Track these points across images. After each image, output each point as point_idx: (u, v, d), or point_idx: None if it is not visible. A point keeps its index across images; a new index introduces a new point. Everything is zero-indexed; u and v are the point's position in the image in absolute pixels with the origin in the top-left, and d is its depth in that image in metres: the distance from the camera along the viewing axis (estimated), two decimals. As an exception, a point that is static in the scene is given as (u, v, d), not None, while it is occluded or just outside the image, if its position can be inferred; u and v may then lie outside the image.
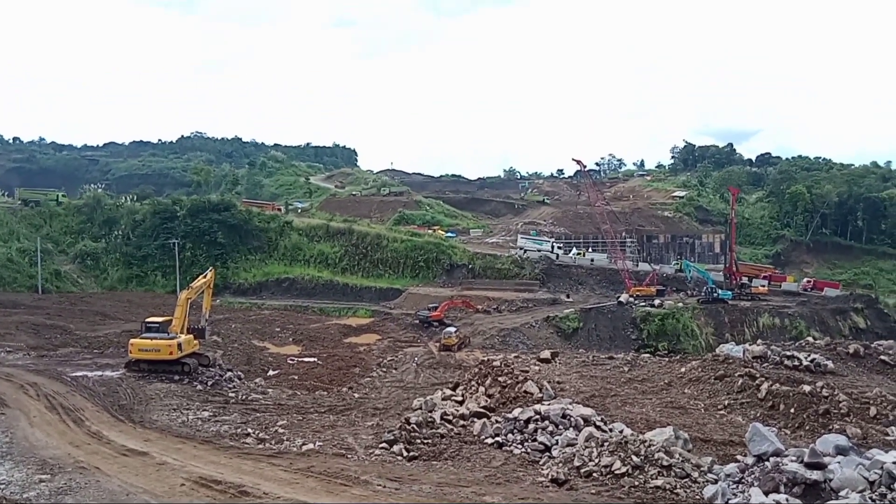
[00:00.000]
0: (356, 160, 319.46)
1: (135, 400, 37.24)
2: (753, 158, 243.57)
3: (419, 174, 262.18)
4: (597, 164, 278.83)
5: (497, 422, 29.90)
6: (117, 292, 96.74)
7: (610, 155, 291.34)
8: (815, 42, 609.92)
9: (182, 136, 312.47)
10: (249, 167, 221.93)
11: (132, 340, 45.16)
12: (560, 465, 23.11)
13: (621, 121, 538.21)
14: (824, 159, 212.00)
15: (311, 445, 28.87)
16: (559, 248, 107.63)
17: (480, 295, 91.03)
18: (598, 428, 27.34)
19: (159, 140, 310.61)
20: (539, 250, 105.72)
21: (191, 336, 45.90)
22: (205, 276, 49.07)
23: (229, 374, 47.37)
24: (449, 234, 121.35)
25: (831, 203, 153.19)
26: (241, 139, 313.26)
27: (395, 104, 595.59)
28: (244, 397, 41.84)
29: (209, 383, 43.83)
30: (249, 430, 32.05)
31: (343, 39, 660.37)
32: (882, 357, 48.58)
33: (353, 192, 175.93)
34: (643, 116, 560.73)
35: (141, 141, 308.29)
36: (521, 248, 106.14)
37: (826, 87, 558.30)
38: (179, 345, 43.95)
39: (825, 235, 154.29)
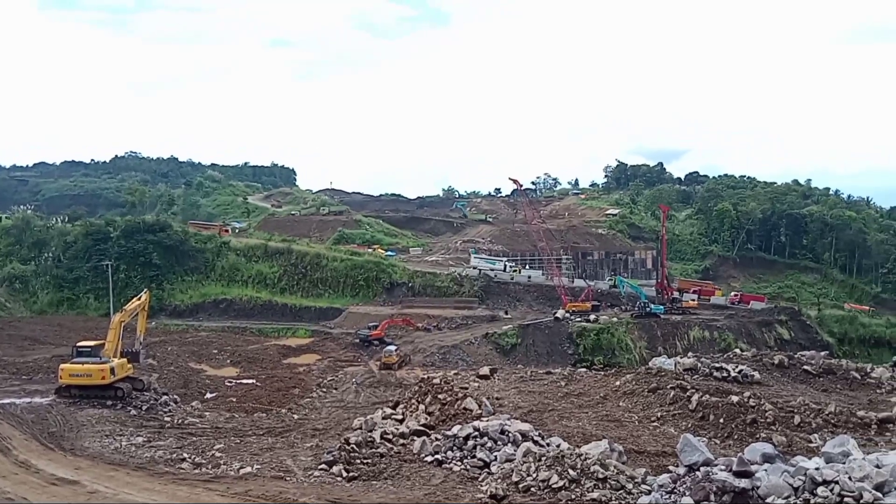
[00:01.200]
0: (295, 180, 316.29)
1: (65, 427, 35.81)
2: (682, 177, 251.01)
3: (359, 193, 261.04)
4: (533, 183, 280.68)
5: (437, 439, 29.74)
6: (48, 316, 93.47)
7: (545, 174, 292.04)
8: (740, 65, 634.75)
9: (116, 155, 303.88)
10: (186, 187, 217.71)
11: (63, 365, 43.64)
12: (499, 480, 23.16)
13: (557, 141, 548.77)
14: (749, 177, 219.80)
15: (248, 469, 28.18)
16: (512, 267, 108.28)
17: (421, 313, 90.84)
18: (535, 443, 27.51)
19: (92, 160, 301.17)
20: (493, 269, 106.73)
21: (124, 360, 44.54)
22: (139, 298, 47.80)
23: (165, 397, 46.08)
24: (389, 253, 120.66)
25: (756, 220, 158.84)
26: (177, 159, 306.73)
27: (333, 124, 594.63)
28: (180, 421, 40.60)
29: (143, 408, 42.54)
30: (185, 455, 31.05)
31: (280, 60, 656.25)
32: (805, 367, 50.30)
33: (292, 212, 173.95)
34: (578, 137, 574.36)
35: (73, 161, 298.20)
36: (474, 268, 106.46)
37: (750, 108, 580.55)
38: (112, 369, 42.58)
39: (750, 251, 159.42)
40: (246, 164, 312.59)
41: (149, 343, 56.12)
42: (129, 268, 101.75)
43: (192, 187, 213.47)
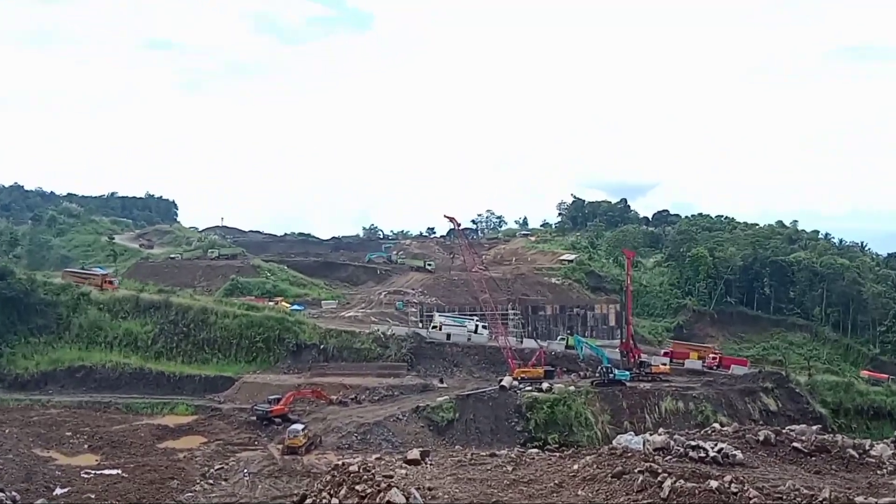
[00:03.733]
0: (176, 215, 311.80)
1: None
2: (650, 217, 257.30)
3: (257, 232, 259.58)
4: (473, 221, 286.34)
5: (354, 543, 29.10)
6: None
7: (488, 212, 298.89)
8: (715, 90, 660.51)
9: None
10: (34, 223, 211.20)
11: None
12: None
13: (501, 173, 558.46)
14: (727, 218, 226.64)
15: None
16: (484, 326, 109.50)
17: (335, 382, 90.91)
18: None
19: None
20: (463, 329, 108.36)
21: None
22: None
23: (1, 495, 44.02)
24: (295, 307, 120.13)
25: (735, 268, 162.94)
26: (22, 187, 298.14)
27: (225, 147, 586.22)
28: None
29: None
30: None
31: (160, 65, 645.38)
32: (795, 444, 50.77)
33: (172, 255, 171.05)
34: (526, 168, 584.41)
35: None
36: (437, 328, 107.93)
37: (726, 139, 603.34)
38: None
39: (730, 304, 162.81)
40: (113, 194, 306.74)
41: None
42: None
43: (41, 223, 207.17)
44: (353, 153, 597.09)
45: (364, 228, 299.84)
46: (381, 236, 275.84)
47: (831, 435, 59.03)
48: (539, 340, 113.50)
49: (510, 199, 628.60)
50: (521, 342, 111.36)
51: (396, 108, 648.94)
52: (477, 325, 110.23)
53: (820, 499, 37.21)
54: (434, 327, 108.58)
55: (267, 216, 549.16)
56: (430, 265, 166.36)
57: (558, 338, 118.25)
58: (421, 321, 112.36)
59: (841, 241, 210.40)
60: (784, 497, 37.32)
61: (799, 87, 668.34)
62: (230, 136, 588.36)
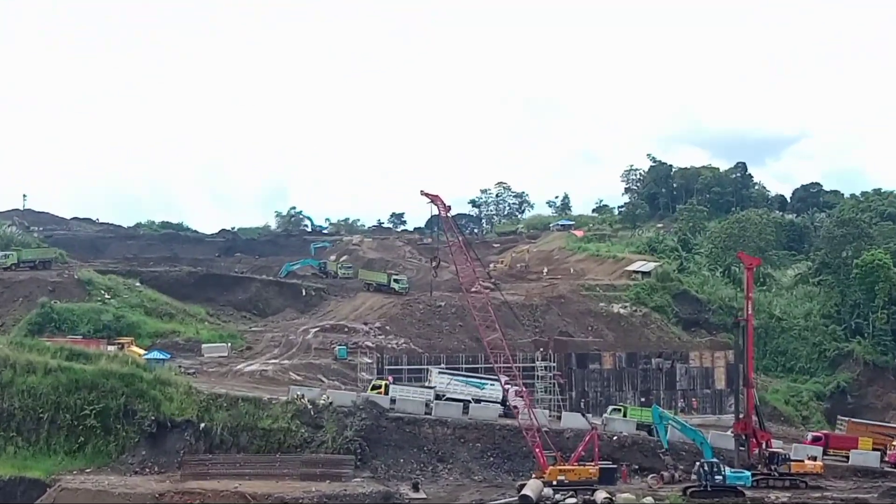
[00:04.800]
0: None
1: None
2: (788, 194, 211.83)
3: (89, 222, 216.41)
4: (474, 202, 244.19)
5: None
6: None
7: (500, 186, 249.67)
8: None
9: None
10: None
11: None
12: None
13: (515, 120, 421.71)
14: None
15: None
16: (518, 394, 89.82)
17: (225, 489, 77.16)
18: None
19: None
20: (479, 399, 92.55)
21: None
22: None
23: None
24: (155, 356, 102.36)
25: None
26: None
27: (30, 84, 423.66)
28: None
29: None
30: None
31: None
32: None
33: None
34: (556, 110, 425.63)
35: None
36: (440, 397, 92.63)
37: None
38: None
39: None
40: None
41: None
42: None
43: None
44: (257, 92, 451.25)
45: (279, 216, 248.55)
46: (310, 229, 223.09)
47: None
48: (590, 415, 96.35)
49: (538, 164, 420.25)
50: (559, 416, 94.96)
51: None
52: (506, 395, 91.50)
53: None
54: (437, 396, 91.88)
55: (105, 195, 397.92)
56: (397, 281, 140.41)
57: (622, 409, 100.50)
58: (379, 379, 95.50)
59: None
60: None
61: None
62: (37, 67, 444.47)
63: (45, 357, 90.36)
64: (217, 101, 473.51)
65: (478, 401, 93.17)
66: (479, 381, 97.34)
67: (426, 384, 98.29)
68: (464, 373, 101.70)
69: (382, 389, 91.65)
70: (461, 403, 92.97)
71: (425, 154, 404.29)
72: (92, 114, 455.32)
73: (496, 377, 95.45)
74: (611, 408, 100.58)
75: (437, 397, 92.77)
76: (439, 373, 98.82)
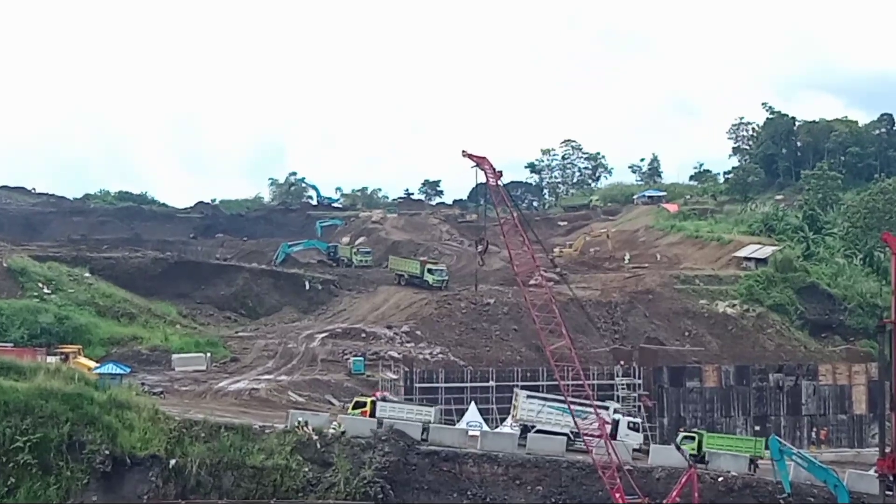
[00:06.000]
0: None
1: None
2: None
3: (21, 191, 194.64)
4: (532, 167, 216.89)
5: None
6: None
7: (567, 144, 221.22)
8: None
9: None
10: None
11: None
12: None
13: (589, 50, 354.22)
14: None
15: None
16: (633, 426, 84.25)
17: None
18: None
19: None
20: (578, 434, 79.06)
21: None
22: None
23: None
24: (110, 369, 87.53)
25: None
26: None
27: None
28: None
29: None
30: None
31: None
32: None
33: None
34: (636, 44, 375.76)
35: None
36: (528, 429, 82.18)
37: None
38: None
39: None
40: None
41: None
42: None
43: None
44: (243, 21, 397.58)
45: (274, 186, 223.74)
46: (315, 202, 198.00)
47: None
48: (685, 449, 79.86)
49: (617, 117, 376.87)
50: (647, 452, 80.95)
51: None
52: (619, 423, 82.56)
53: None
54: (525, 428, 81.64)
55: (44, 159, 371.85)
56: (431, 271, 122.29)
57: (697, 437, 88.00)
58: (412, 400, 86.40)
59: None
60: None
61: None
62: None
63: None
64: (191, 35, 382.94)
65: (577, 434, 78.51)
66: (581, 408, 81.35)
67: (511, 412, 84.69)
68: (558, 396, 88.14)
69: (367, 409, 78.47)
70: (558, 437, 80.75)
71: (467, 103, 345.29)
72: (23, 55, 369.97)
73: (605, 404, 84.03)
74: (681, 435, 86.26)
75: (525, 429, 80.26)
76: (528, 397, 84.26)
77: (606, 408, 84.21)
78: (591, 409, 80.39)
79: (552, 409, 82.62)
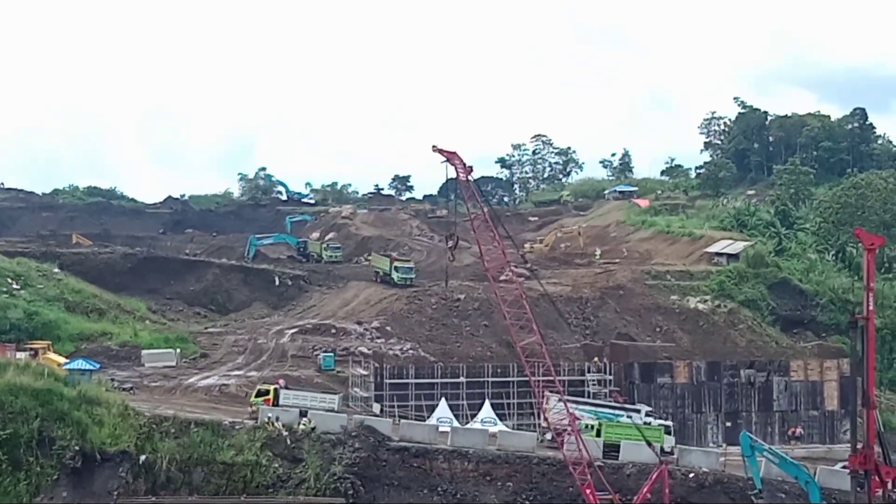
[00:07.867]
0: None
1: None
2: None
3: None
4: (502, 161, 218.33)
5: None
6: None
7: (538, 139, 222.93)
8: None
9: None
10: None
11: None
12: None
13: (562, 45, 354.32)
14: None
15: None
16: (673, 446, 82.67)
17: None
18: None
19: None
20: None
21: None
22: None
23: None
24: (80, 365, 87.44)
25: None
26: None
27: None
28: None
29: None
30: None
31: None
32: None
33: None
34: (610, 38, 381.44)
35: None
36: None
37: None
38: None
39: None
40: None
41: None
42: None
43: None
44: (214, 15, 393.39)
45: (243, 181, 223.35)
46: (285, 198, 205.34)
47: None
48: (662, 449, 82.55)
49: (588, 111, 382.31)
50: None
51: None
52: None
53: None
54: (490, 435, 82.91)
55: (12, 153, 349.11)
56: (398, 268, 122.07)
57: (712, 438, 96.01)
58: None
59: None
60: None
61: None
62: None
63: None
64: (162, 30, 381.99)
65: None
66: (612, 411, 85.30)
67: (544, 415, 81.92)
68: (591, 400, 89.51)
69: (270, 397, 78.70)
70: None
71: (438, 98, 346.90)
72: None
73: (636, 407, 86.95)
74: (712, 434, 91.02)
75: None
76: (559, 400, 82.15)
77: (638, 411, 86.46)
78: (623, 413, 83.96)
79: (583, 412, 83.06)
